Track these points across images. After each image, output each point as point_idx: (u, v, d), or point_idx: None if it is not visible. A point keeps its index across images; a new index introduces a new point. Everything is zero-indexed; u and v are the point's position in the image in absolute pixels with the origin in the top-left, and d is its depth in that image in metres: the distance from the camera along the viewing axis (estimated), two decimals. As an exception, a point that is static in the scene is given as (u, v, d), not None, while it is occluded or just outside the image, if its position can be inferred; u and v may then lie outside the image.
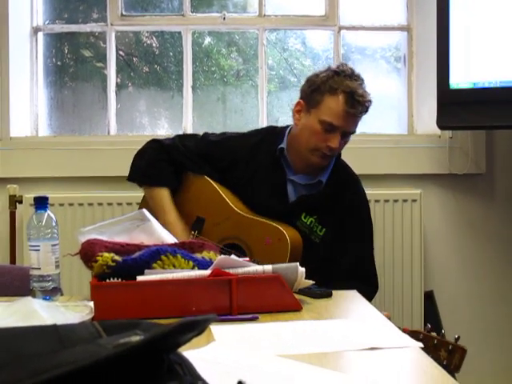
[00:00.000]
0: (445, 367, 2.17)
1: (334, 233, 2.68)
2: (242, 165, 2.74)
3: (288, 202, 2.71)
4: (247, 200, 2.71)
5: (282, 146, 2.72)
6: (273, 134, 2.80)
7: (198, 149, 2.78)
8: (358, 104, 2.59)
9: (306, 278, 1.92)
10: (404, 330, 2.22)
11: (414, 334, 2.22)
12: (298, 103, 2.72)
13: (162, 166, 2.74)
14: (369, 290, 2.64)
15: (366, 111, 2.66)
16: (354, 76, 2.64)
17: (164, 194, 2.70)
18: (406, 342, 1.50)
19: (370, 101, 2.65)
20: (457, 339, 2.19)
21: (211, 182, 2.70)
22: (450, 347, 2.18)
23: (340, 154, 2.81)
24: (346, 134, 2.64)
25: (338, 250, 2.67)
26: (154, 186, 2.71)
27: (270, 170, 2.73)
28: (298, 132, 2.70)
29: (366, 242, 2.79)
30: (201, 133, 2.91)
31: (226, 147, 2.78)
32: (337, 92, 2.60)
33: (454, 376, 2.20)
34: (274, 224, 2.56)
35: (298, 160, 2.71)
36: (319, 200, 2.70)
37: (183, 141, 2.81)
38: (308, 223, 2.66)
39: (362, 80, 2.66)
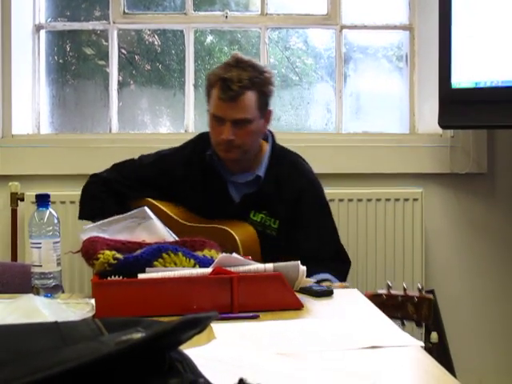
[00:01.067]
0: (417, 322, 2.18)
1: (288, 222, 2.65)
2: (180, 180, 2.73)
3: (233, 204, 2.69)
4: (196, 210, 2.69)
5: (209, 152, 2.69)
6: (203, 141, 2.75)
7: (135, 174, 2.78)
8: (228, 89, 2.52)
9: None
10: (366, 295, 2.24)
11: (376, 297, 2.23)
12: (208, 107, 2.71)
13: (103, 197, 2.73)
14: (342, 267, 2.67)
15: (250, 88, 2.54)
16: (234, 64, 2.58)
17: None
18: (406, 340, 1.50)
19: (248, 80, 2.54)
20: (420, 290, 2.19)
21: (154, 202, 2.67)
22: (416, 300, 2.17)
23: (275, 140, 2.76)
24: (237, 122, 2.56)
25: (298, 237, 2.64)
26: (98, 219, 2.47)
27: (208, 178, 2.70)
28: (210, 132, 2.69)
29: (326, 220, 2.74)
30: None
31: (160, 167, 2.77)
32: (214, 83, 2.58)
33: (428, 326, 2.20)
34: (220, 226, 2.55)
35: (227, 161, 2.69)
36: (262, 195, 2.66)
37: (120, 170, 2.81)
38: (259, 220, 2.64)
39: (248, 66, 2.58)
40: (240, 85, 2.52)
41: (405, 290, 2.20)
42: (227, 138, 2.55)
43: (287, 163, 2.73)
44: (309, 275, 2.08)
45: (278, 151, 2.75)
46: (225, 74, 2.55)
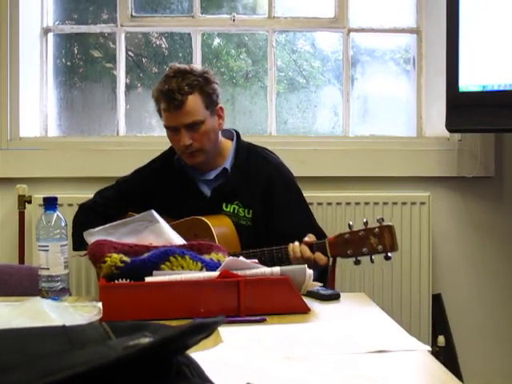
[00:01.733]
0: (382, 252, 2.20)
1: (261, 209, 2.72)
2: (155, 189, 2.82)
3: (205, 199, 2.77)
4: (175, 215, 2.73)
5: (176, 157, 2.79)
6: (170, 150, 2.85)
7: (115, 193, 2.89)
8: (172, 100, 2.61)
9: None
10: (329, 240, 2.26)
11: (339, 238, 2.25)
12: None
13: (89, 223, 2.74)
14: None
15: (192, 92, 2.62)
16: (173, 75, 2.66)
17: None
18: (413, 344, 1.50)
19: (187, 85, 2.62)
20: (379, 220, 2.21)
21: (135, 214, 2.72)
22: (376, 230, 2.21)
23: (239, 137, 2.84)
24: (189, 126, 2.64)
25: (273, 221, 2.70)
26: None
27: (179, 181, 2.80)
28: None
29: (298, 203, 2.80)
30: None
31: (135, 181, 2.89)
32: (158, 99, 2.68)
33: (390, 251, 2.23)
34: (193, 217, 2.64)
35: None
36: (230, 186, 2.74)
37: (102, 193, 2.92)
38: (231, 211, 2.71)
39: (185, 73, 2.66)
40: (181, 92, 2.61)
41: (365, 224, 2.23)
42: (186, 144, 2.64)
43: (254, 154, 2.82)
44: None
45: (243, 146, 2.84)
46: (165, 87, 2.64)
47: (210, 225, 2.57)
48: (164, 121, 2.69)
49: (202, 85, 2.66)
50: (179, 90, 2.60)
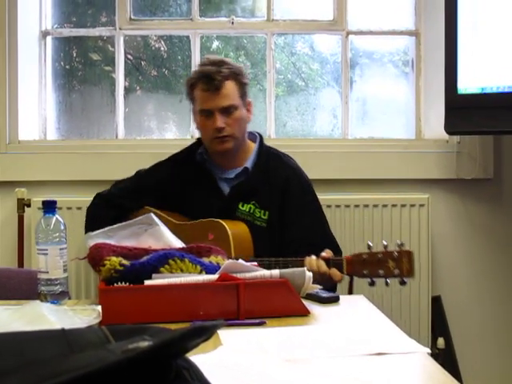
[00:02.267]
0: (399, 276, 2.19)
1: (277, 211, 2.74)
2: (173, 183, 2.85)
3: (223, 197, 2.79)
4: (190, 212, 2.79)
5: (200, 151, 2.84)
6: (194, 144, 2.91)
7: (132, 185, 2.91)
8: (211, 81, 2.69)
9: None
10: (347, 258, 2.25)
11: (357, 257, 2.24)
12: (192, 112, 2.89)
13: (101, 214, 2.84)
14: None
15: (229, 78, 2.72)
16: (209, 63, 2.76)
17: None
18: (413, 347, 1.50)
19: (227, 70, 2.72)
20: (399, 245, 2.19)
21: (151, 209, 2.77)
22: (396, 255, 2.19)
23: (262, 140, 2.88)
24: (224, 109, 2.71)
25: (287, 224, 2.72)
26: None
27: (199, 177, 2.83)
28: (199, 132, 2.84)
29: (313, 208, 2.82)
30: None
31: (154, 174, 2.91)
32: (195, 83, 2.75)
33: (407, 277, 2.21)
34: (211, 219, 2.66)
35: (217, 157, 2.82)
36: (249, 184, 2.77)
37: (118, 185, 2.95)
38: (247, 210, 2.73)
39: (220, 61, 2.77)
40: (221, 75, 2.69)
41: (385, 247, 2.21)
42: (219, 126, 2.69)
43: (273, 157, 2.86)
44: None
45: (265, 148, 2.87)
46: (203, 70, 2.74)
47: (226, 228, 2.59)
48: (199, 104, 2.74)
49: (238, 74, 2.75)
50: (218, 72, 2.69)
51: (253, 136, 2.89)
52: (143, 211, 2.69)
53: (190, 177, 2.83)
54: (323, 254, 2.40)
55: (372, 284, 2.24)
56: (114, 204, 2.85)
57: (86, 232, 2.81)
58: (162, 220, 2.66)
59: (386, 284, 2.21)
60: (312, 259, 2.36)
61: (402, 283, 2.22)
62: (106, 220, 2.75)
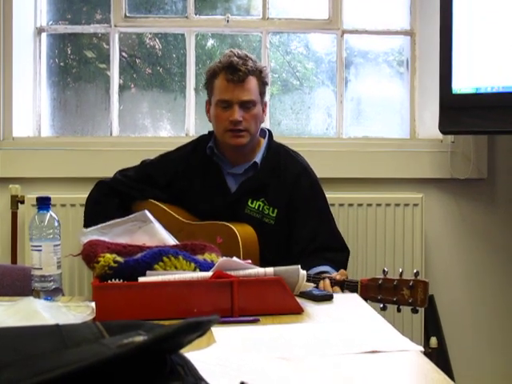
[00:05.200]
0: (412, 305, 2.18)
1: (286, 210, 2.73)
2: (180, 175, 2.83)
3: (230, 194, 2.77)
4: (194, 206, 2.79)
5: (210, 144, 2.82)
6: (205, 138, 2.90)
7: (137, 175, 2.89)
8: (236, 71, 2.68)
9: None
10: (362, 281, 2.24)
11: (372, 282, 2.23)
12: (206, 103, 2.86)
13: (104, 201, 2.83)
14: (340, 257, 2.72)
15: (253, 73, 2.72)
16: (233, 55, 2.74)
17: None
18: (406, 345, 1.50)
19: (252, 64, 2.72)
20: (415, 274, 2.18)
21: (157, 203, 2.78)
22: (411, 283, 2.16)
23: (272, 136, 2.88)
24: (244, 103, 2.70)
25: (295, 222, 2.72)
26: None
27: (206, 171, 2.81)
28: (213, 125, 2.82)
29: (321, 206, 2.81)
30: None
31: (161, 165, 2.89)
32: (217, 72, 2.74)
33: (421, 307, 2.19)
34: (222, 222, 2.65)
35: (228, 151, 2.80)
36: (258, 180, 2.76)
37: (123, 172, 2.93)
38: (256, 207, 2.72)
39: (246, 56, 2.75)
40: (246, 67, 2.69)
41: (401, 274, 2.20)
42: (236, 119, 2.68)
43: (283, 153, 2.85)
44: (308, 267, 2.10)
45: (274, 144, 2.87)
46: (228, 61, 2.71)
47: (237, 233, 2.57)
48: (219, 94, 2.73)
49: (261, 71, 2.75)
50: (244, 64, 2.69)
51: (262, 132, 2.88)
52: (147, 204, 2.70)
53: (197, 169, 2.82)
54: (337, 276, 2.37)
55: (384, 309, 2.21)
56: (118, 192, 2.84)
57: (84, 219, 2.81)
58: (168, 217, 2.67)
59: (399, 310, 2.19)
60: (326, 283, 2.34)
61: (415, 311, 2.20)
62: (109, 207, 2.77)
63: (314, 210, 2.76)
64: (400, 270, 2.21)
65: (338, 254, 2.71)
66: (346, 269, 2.61)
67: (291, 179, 2.75)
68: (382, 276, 2.23)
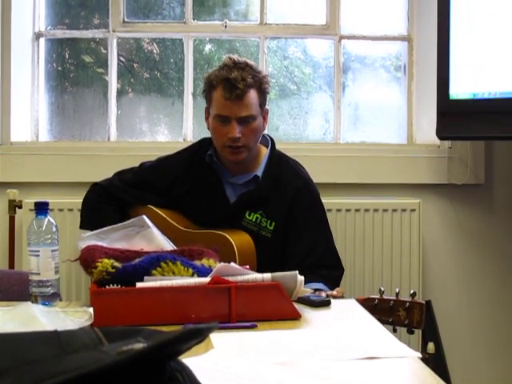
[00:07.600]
0: (407, 326, 2.17)
1: (284, 224, 2.68)
2: (179, 181, 2.79)
3: (229, 205, 2.73)
4: (191, 213, 2.76)
5: (209, 152, 2.77)
6: (204, 143, 2.84)
7: (135, 179, 2.84)
8: (234, 88, 2.60)
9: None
10: (358, 300, 2.23)
11: (368, 301, 2.22)
12: (205, 110, 2.79)
13: (102, 207, 2.80)
14: (334, 274, 2.68)
15: (252, 86, 2.65)
16: (233, 65, 2.67)
17: None
18: (403, 351, 1.51)
19: (251, 78, 2.64)
20: (412, 295, 2.18)
21: (154, 208, 2.74)
22: (407, 305, 2.16)
23: (274, 145, 2.83)
24: (242, 119, 2.64)
25: (291, 237, 2.68)
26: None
27: (205, 178, 2.76)
28: (212, 136, 2.76)
29: (319, 222, 2.77)
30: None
31: (160, 169, 2.84)
32: (216, 85, 2.66)
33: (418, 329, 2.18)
34: (218, 231, 2.61)
35: (227, 162, 2.75)
36: (259, 194, 2.71)
37: (120, 176, 2.88)
38: (254, 220, 2.68)
39: (245, 66, 2.68)
40: (244, 83, 2.61)
41: (397, 295, 2.20)
42: (235, 136, 2.62)
43: (285, 165, 2.79)
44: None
45: (276, 155, 2.82)
46: (228, 74, 2.63)
47: (234, 246, 2.53)
48: (217, 109, 2.66)
49: (261, 82, 2.69)
50: (243, 80, 2.62)
51: (264, 140, 2.83)
52: (145, 210, 2.67)
53: (195, 178, 2.77)
54: (334, 292, 2.33)
55: None
56: (115, 197, 2.80)
57: (81, 223, 2.79)
58: (166, 224, 2.65)
59: (394, 330, 2.18)
60: None
61: (410, 332, 2.19)
62: (108, 214, 2.73)
63: (312, 225, 2.72)
64: (397, 290, 2.21)
65: (333, 271, 2.68)
66: (338, 286, 2.58)
67: (292, 193, 2.71)
68: (377, 296, 2.23)
